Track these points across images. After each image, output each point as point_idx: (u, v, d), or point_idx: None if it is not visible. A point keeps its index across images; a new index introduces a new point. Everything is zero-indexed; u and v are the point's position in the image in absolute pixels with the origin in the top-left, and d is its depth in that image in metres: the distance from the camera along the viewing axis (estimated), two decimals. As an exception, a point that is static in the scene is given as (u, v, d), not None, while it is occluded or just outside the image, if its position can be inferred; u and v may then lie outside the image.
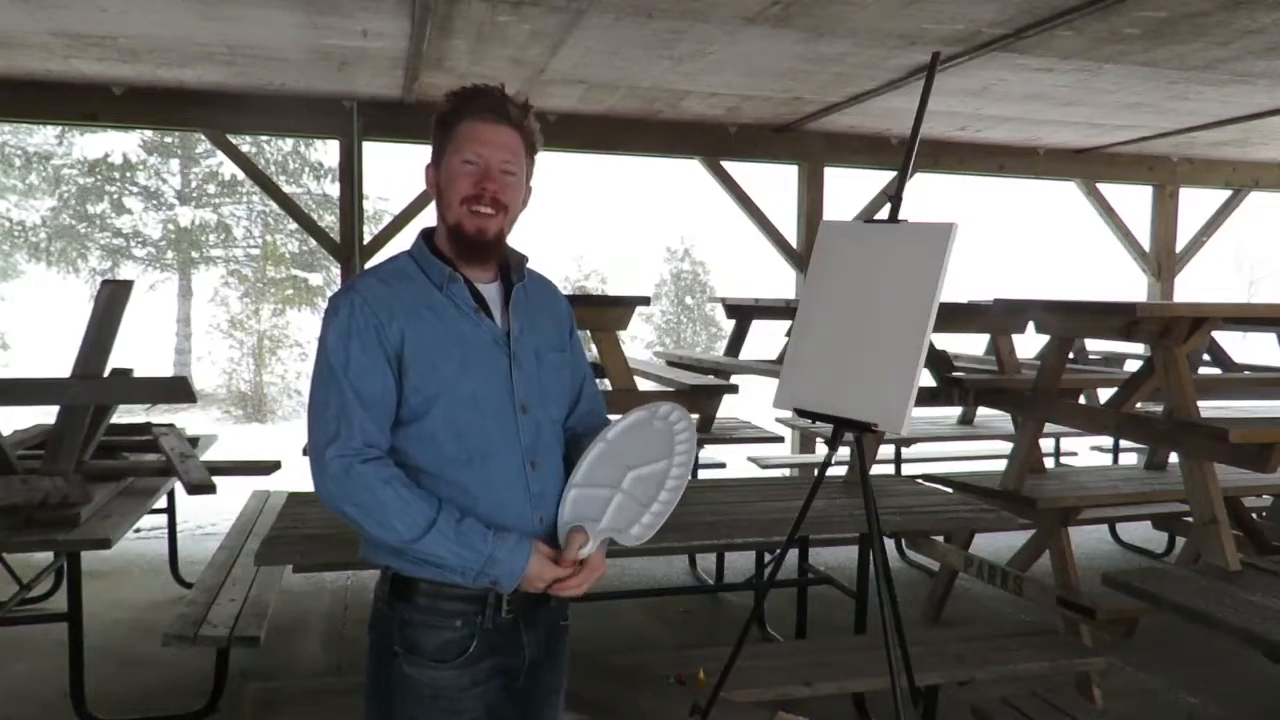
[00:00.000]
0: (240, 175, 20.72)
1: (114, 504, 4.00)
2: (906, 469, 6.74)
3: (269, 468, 5.23)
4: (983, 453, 6.76)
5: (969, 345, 7.00)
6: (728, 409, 5.60)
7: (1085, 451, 7.90)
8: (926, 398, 4.83)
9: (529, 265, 1.85)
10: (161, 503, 4.80)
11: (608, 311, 4.81)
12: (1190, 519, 4.27)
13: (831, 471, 2.73)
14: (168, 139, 21.39)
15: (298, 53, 5.12)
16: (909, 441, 6.14)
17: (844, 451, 2.86)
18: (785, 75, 5.44)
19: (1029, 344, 5.67)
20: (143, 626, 4.66)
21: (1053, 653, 3.44)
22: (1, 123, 18.91)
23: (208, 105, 6.12)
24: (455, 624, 1.69)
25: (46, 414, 4.27)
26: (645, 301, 5.12)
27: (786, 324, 4.90)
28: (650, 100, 6.15)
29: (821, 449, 6.63)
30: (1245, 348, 7.09)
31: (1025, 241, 42.77)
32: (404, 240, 1.82)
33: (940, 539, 4.83)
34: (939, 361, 5.12)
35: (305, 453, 1.69)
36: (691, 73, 5.39)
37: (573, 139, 6.55)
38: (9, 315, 23.01)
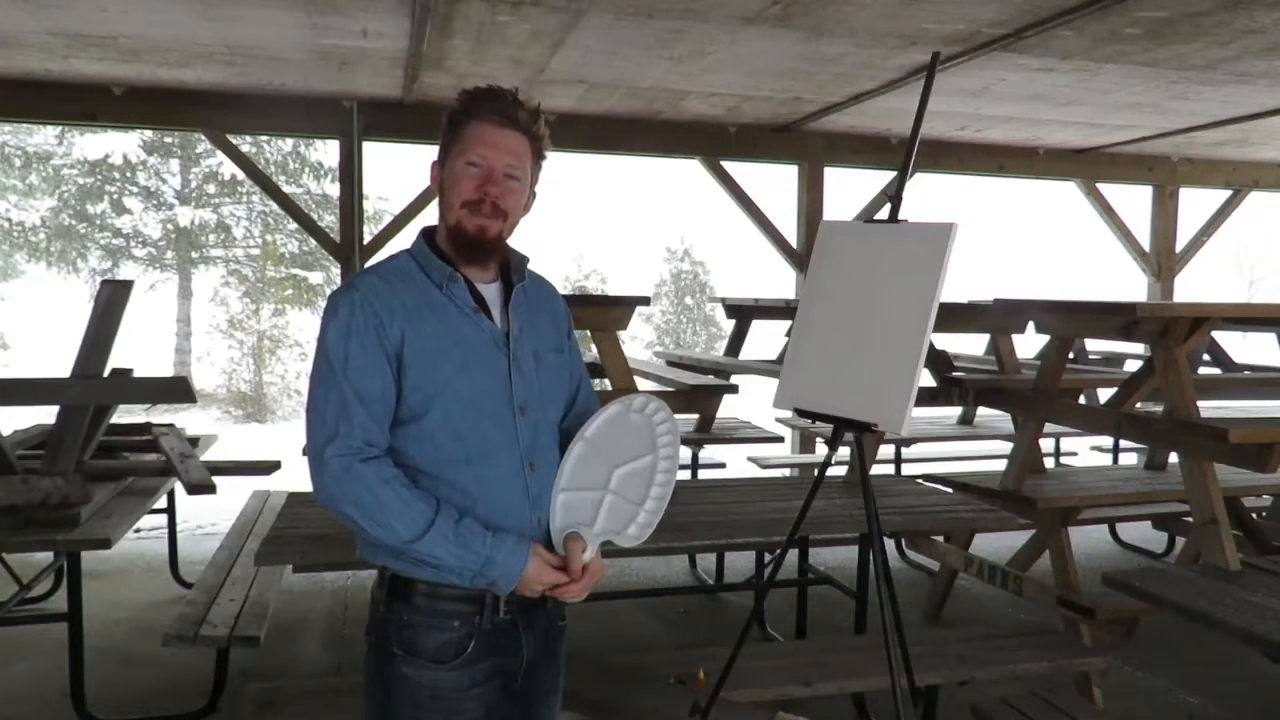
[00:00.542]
0: (240, 175, 20.72)
1: (114, 504, 4.00)
2: (906, 469, 6.74)
3: (269, 468, 5.23)
4: (983, 453, 6.76)
5: (969, 345, 7.01)
6: (728, 409, 5.60)
7: (1085, 451, 7.90)
8: (926, 398, 4.83)
9: (529, 266, 1.85)
10: (161, 503, 4.80)
11: (608, 311, 4.81)
12: (1190, 519, 4.27)
13: (831, 471, 2.73)
14: (168, 139, 21.39)
15: (298, 53, 5.12)
16: (909, 441, 6.14)
17: (844, 451, 2.86)
18: (785, 75, 5.44)
19: (1029, 344, 5.68)
20: (143, 626, 4.66)
21: (1053, 653, 3.44)
22: (1, 123, 18.91)
23: (208, 105, 6.12)
24: (453, 624, 1.69)
25: (46, 414, 4.27)
26: (645, 301, 5.12)
27: (786, 324, 4.90)
28: (650, 100, 6.15)
29: (821, 449, 6.63)
30: (1245, 348, 7.09)
31: (1025, 241, 42.77)
32: (404, 240, 1.81)
33: (940, 539, 4.83)
34: (939, 361, 5.12)
35: (305, 452, 1.69)
36: (691, 73, 5.39)
37: (573, 139, 6.55)
38: (9, 315, 23.01)
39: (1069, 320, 4.45)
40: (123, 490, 4.24)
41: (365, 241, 6.57)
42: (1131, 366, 5.71)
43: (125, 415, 8.68)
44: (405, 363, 1.65)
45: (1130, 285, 9.22)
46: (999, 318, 5.24)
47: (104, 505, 3.91)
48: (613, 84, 5.72)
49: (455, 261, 1.73)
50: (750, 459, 6.64)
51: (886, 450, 6.55)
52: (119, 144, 21.08)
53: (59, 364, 4.72)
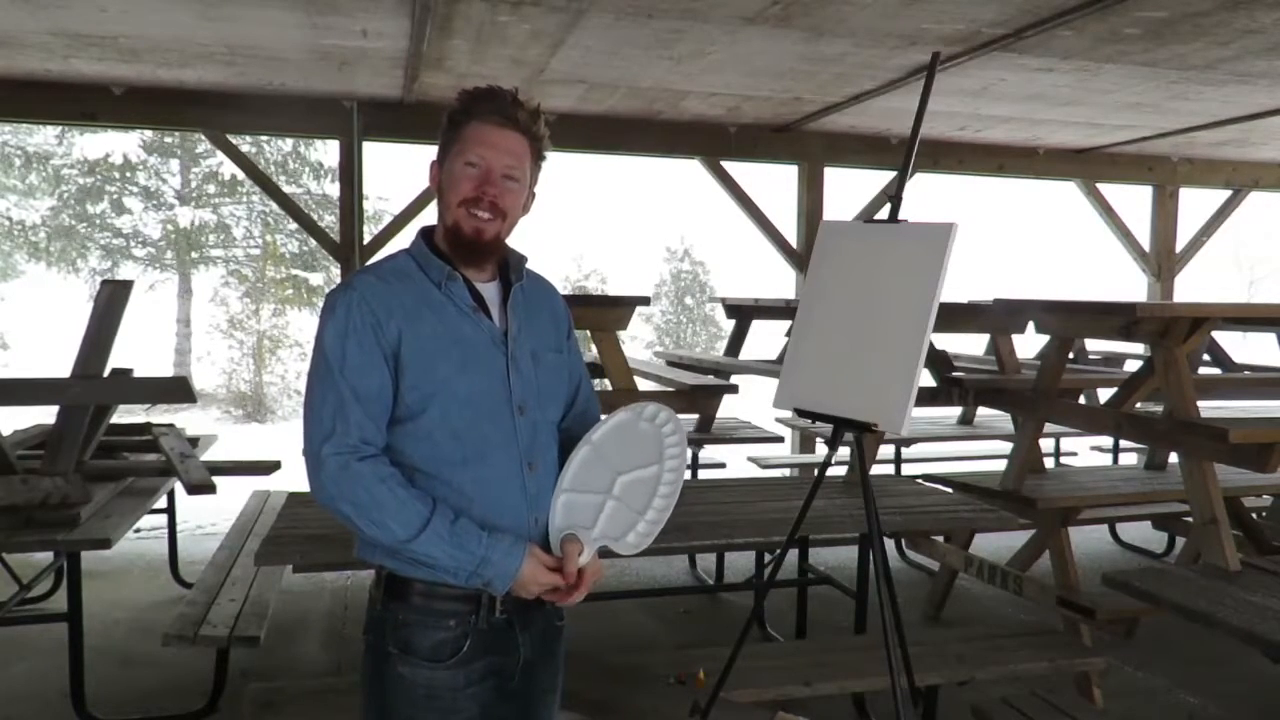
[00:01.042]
0: (240, 175, 20.71)
1: (114, 504, 4.00)
2: (906, 469, 6.74)
3: (269, 468, 5.23)
4: (983, 453, 6.76)
5: (969, 345, 7.00)
6: (728, 409, 5.59)
7: (1085, 451, 7.90)
8: (926, 398, 4.83)
9: (528, 265, 1.85)
10: (161, 503, 4.80)
11: (608, 311, 4.81)
12: (1190, 519, 4.27)
13: (831, 471, 2.74)
14: (168, 139, 21.38)
15: (298, 53, 5.12)
16: (909, 441, 6.14)
17: (844, 451, 2.86)
18: (785, 75, 5.44)
19: (1029, 344, 5.68)
20: (143, 626, 4.66)
21: (1053, 653, 3.44)
22: (1, 123, 18.90)
23: (208, 105, 6.12)
24: (449, 623, 1.69)
25: (46, 414, 4.27)
26: (645, 301, 5.12)
27: (786, 324, 4.90)
28: (650, 100, 6.15)
29: (821, 449, 6.63)
30: (1245, 348, 7.10)
31: (1025, 241, 42.76)
32: (404, 240, 1.81)
33: (940, 539, 4.83)
34: (939, 361, 5.12)
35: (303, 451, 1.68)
36: (691, 73, 5.39)
37: (573, 139, 6.55)
38: (9, 315, 22.99)
39: (1069, 320, 4.45)
40: (123, 490, 4.24)
41: (365, 241, 6.57)
42: (1131, 366, 5.71)
43: (125, 415, 8.68)
44: (403, 362, 1.65)
45: (1130, 285, 9.22)
46: (999, 318, 5.24)
47: (104, 505, 3.91)
48: (613, 84, 5.72)
49: (453, 261, 1.72)
50: (750, 459, 6.64)
51: (886, 450, 6.55)
52: (119, 144, 21.06)
53: (59, 364, 4.72)
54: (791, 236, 7.41)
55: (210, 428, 12.76)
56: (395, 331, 1.65)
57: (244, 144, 17.69)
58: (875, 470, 4.97)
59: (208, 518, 6.70)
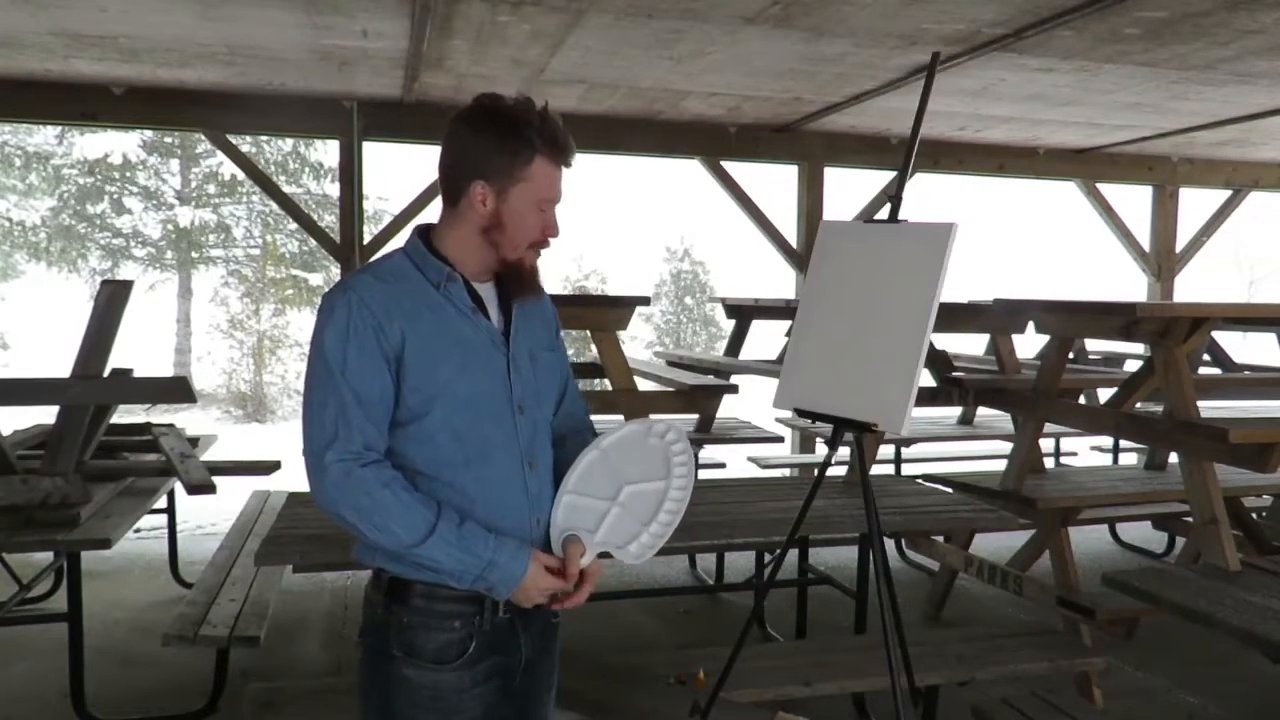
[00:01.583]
0: (240, 175, 20.71)
1: (114, 504, 4.00)
2: (906, 469, 6.75)
3: (269, 468, 5.23)
4: (983, 453, 6.76)
5: (969, 345, 7.00)
6: (728, 409, 5.59)
7: (1085, 451, 7.90)
8: (926, 398, 4.83)
9: None
10: (161, 503, 4.80)
11: (608, 311, 4.81)
12: (1190, 519, 4.27)
13: (831, 471, 2.74)
14: (168, 139, 21.38)
15: (298, 53, 5.12)
16: (909, 441, 6.14)
17: (844, 451, 2.86)
18: (785, 75, 5.44)
19: (1029, 344, 5.68)
20: (143, 626, 4.66)
21: (1053, 653, 3.44)
22: (1, 123, 18.90)
23: (208, 105, 6.12)
24: (454, 625, 1.68)
25: (46, 414, 4.27)
26: (645, 301, 5.12)
27: (786, 324, 4.90)
28: (650, 100, 6.15)
29: (821, 449, 6.62)
30: (1245, 348, 7.10)
31: (1025, 241, 42.75)
32: (404, 240, 1.80)
33: (940, 539, 4.84)
34: (939, 361, 5.12)
35: (304, 455, 1.68)
36: (691, 73, 5.39)
37: (573, 139, 6.54)
38: (9, 315, 22.99)
39: (1069, 320, 4.45)
40: (123, 490, 4.24)
41: (365, 241, 6.57)
42: (1131, 366, 5.71)
43: (125, 415, 8.69)
44: (405, 364, 1.64)
45: (1130, 285, 9.22)
46: (999, 318, 5.24)
47: (104, 505, 3.91)
48: (613, 84, 5.72)
49: (453, 265, 1.71)
50: (750, 459, 6.65)
51: (886, 450, 6.54)
52: (119, 144, 21.06)
53: (59, 364, 4.72)
54: (791, 236, 7.41)
55: (210, 428, 12.77)
56: (398, 334, 1.63)
57: (244, 144, 17.69)
58: (875, 470, 4.97)
59: (208, 518, 6.70)
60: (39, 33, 4.80)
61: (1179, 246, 8.35)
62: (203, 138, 10.62)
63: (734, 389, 5.13)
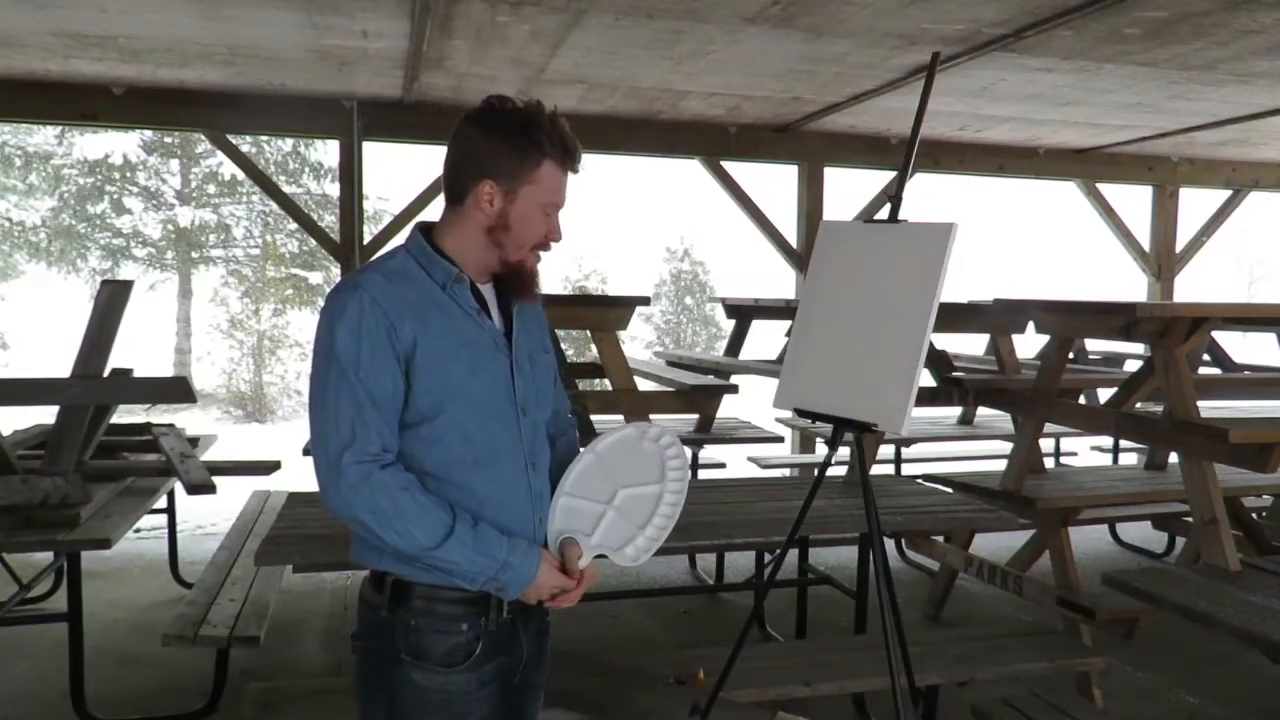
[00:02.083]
0: (240, 175, 20.71)
1: (114, 504, 4.00)
2: (906, 469, 6.75)
3: (269, 468, 5.23)
4: (983, 453, 6.76)
5: (969, 345, 7.00)
6: (728, 409, 5.60)
7: (1085, 451, 7.90)
8: (926, 398, 4.83)
9: None
10: (161, 503, 4.80)
11: (608, 311, 4.81)
12: (1190, 519, 4.27)
13: (831, 471, 2.74)
14: (168, 139, 21.38)
15: (298, 53, 5.12)
16: (909, 441, 6.14)
17: (844, 451, 2.86)
18: (785, 75, 5.44)
19: (1029, 344, 5.68)
20: (143, 626, 4.66)
21: (1053, 653, 3.45)
22: (1, 123, 18.90)
23: (208, 105, 6.12)
24: (461, 628, 1.68)
25: (46, 414, 4.27)
26: (645, 301, 5.12)
27: (786, 324, 4.90)
28: (650, 100, 6.15)
29: (821, 449, 6.63)
30: (1245, 348, 7.09)
31: (1025, 241, 42.74)
32: (404, 238, 1.80)
33: (940, 539, 4.84)
34: (939, 361, 5.12)
35: (306, 452, 1.67)
36: (691, 73, 5.39)
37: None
38: (9, 315, 22.98)
39: (1069, 320, 4.45)
40: (123, 490, 4.24)
41: (365, 241, 6.57)
42: (1131, 366, 5.71)
43: (125, 415, 8.69)
44: (416, 366, 1.62)
45: (1130, 285, 9.22)
46: (999, 318, 5.24)
47: (104, 505, 3.91)
48: (613, 84, 5.72)
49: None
50: (750, 459, 6.65)
51: (886, 450, 6.55)
52: (119, 144, 21.05)
53: (59, 364, 4.72)
54: (791, 236, 7.41)
55: (210, 428, 12.77)
56: (410, 335, 1.62)
57: (244, 144, 17.69)
58: (875, 470, 4.97)
59: (208, 518, 6.70)
60: (39, 33, 4.80)
61: (1179, 246, 8.35)
62: (203, 138, 10.62)
63: (734, 389, 5.13)
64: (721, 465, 6.67)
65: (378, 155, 6.94)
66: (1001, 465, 4.75)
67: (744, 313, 6.16)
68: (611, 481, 1.78)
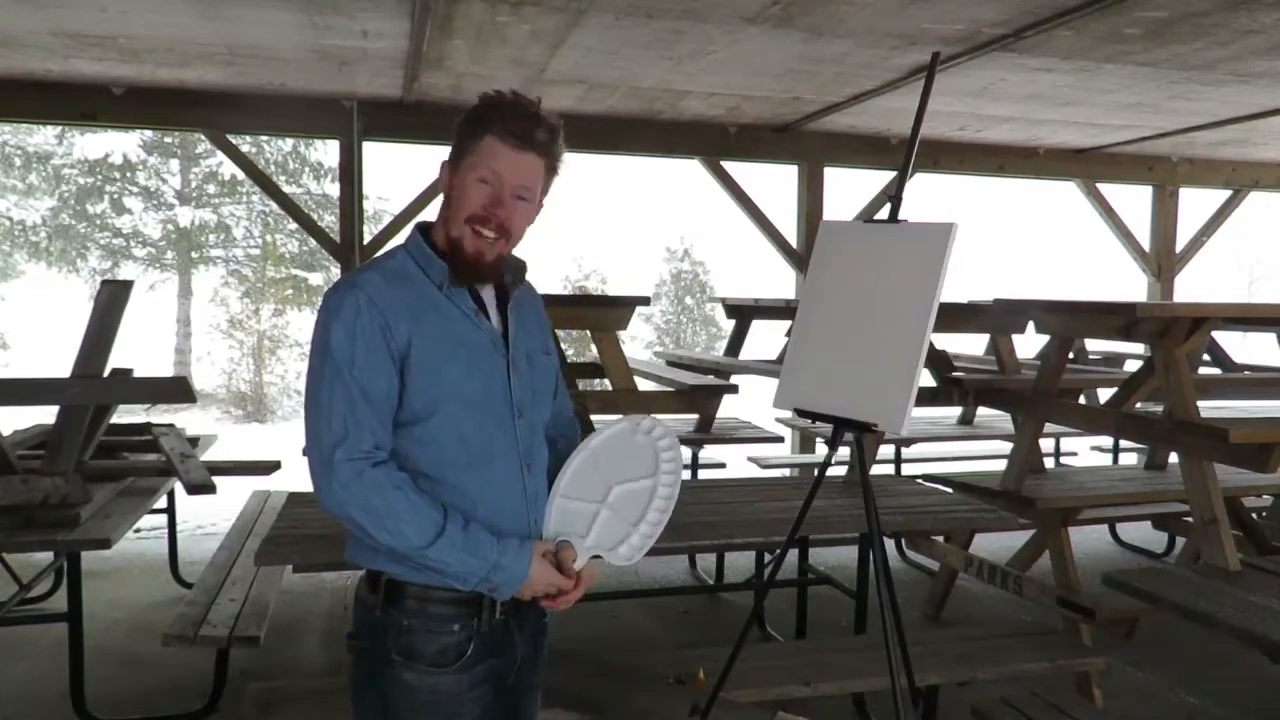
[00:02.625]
0: (240, 175, 20.72)
1: (114, 504, 4.00)
2: (906, 469, 6.75)
3: (269, 468, 5.23)
4: (983, 453, 6.76)
5: (969, 345, 7.00)
6: (728, 409, 5.60)
7: (1085, 451, 7.90)
8: (926, 398, 4.83)
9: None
10: (161, 503, 4.80)
11: (608, 311, 4.81)
12: (1190, 519, 4.27)
13: (831, 471, 2.74)
14: (168, 139, 21.39)
15: (298, 53, 5.12)
16: (909, 441, 6.14)
17: (844, 451, 2.86)
18: (785, 75, 5.44)
19: (1029, 344, 5.68)
20: (143, 626, 4.66)
21: (1053, 653, 3.45)
22: (1, 123, 18.91)
23: (208, 105, 6.12)
24: (453, 628, 1.68)
25: (46, 414, 4.27)
26: (645, 301, 5.12)
27: (786, 324, 4.90)
28: (650, 100, 6.15)
29: (821, 449, 6.63)
30: (1245, 348, 7.09)
31: (1025, 241, 42.74)
32: (404, 237, 1.80)
33: (940, 539, 4.84)
34: (939, 361, 5.12)
35: (305, 452, 1.67)
36: (691, 73, 5.39)
37: (573, 139, 6.41)
38: (9, 315, 22.99)
39: (1069, 320, 4.45)
40: (123, 490, 4.24)
41: (365, 241, 6.57)
42: (1131, 366, 5.71)
43: (125, 415, 8.68)
44: (411, 365, 1.63)
45: (1130, 285, 9.22)
46: (999, 318, 5.24)
47: (104, 505, 3.91)
48: (613, 84, 5.72)
49: (455, 272, 1.70)
50: (750, 459, 6.65)
51: (886, 450, 6.55)
52: (119, 144, 21.07)
53: (59, 364, 4.72)
54: (791, 236, 7.41)
55: (210, 428, 12.76)
56: (405, 334, 1.62)
57: (244, 144, 17.69)
58: (875, 470, 4.97)
59: (208, 518, 6.70)
60: (39, 33, 4.80)
61: (1179, 246, 8.35)
62: (203, 138, 10.62)
63: (734, 389, 5.13)
64: (721, 465, 6.67)
65: (378, 155, 6.95)
66: (1001, 465, 4.75)
67: (744, 313, 6.16)
68: (605, 479, 1.78)
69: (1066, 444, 7.60)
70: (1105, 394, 5.47)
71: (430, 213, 1.79)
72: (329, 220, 18.97)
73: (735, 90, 5.85)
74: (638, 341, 27.08)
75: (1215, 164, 8.24)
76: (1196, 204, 8.67)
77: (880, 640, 2.52)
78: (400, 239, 1.80)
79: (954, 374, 5.03)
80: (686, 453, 6.41)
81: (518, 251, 1.82)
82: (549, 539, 1.74)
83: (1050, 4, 4.09)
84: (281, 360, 21.45)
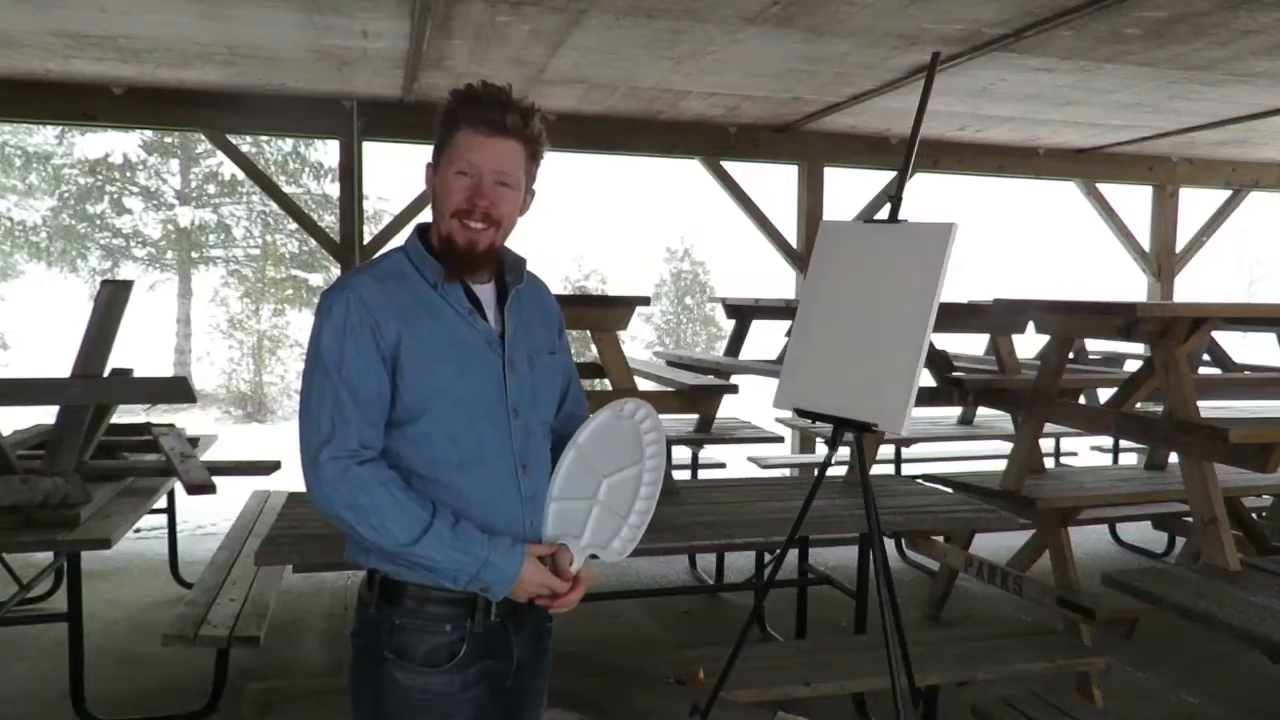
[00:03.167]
0: (240, 175, 20.72)
1: (114, 504, 4.00)
2: (906, 469, 6.75)
3: (269, 468, 5.23)
4: (983, 453, 6.76)
5: (969, 345, 7.01)
6: (728, 409, 5.59)
7: (1085, 451, 7.90)
8: (926, 398, 4.83)
9: (526, 267, 1.85)
10: (161, 503, 4.80)
11: (608, 311, 4.80)
12: (1190, 519, 4.27)
13: (831, 471, 2.74)
14: (168, 139, 21.39)
15: (298, 53, 5.12)
16: (909, 441, 6.14)
17: (844, 451, 2.86)
18: (785, 75, 5.44)
19: (1029, 344, 5.68)
20: (143, 626, 4.66)
21: (1053, 653, 3.45)
22: (1, 123, 18.91)
23: (208, 105, 6.12)
24: (445, 628, 1.68)
25: (46, 414, 4.27)
26: (645, 301, 5.11)
27: (786, 324, 4.90)
28: (650, 100, 6.15)
29: (821, 449, 6.63)
30: (1245, 348, 7.09)
31: (1025, 241, 42.77)
32: (403, 241, 1.80)
33: (940, 539, 4.84)
34: (939, 361, 5.12)
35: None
36: (691, 73, 5.39)
37: (573, 139, 6.55)
38: (9, 315, 23.00)
39: (1069, 320, 4.45)
40: (123, 490, 4.24)
41: (365, 241, 6.57)
42: (1131, 366, 5.71)
43: (125, 415, 8.68)
44: (401, 365, 1.63)
45: (1130, 285, 9.22)
46: (999, 318, 5.24)
47: (104, 505, 3.91)
48: (613, 84, 5.72)
49: (446, 269, 1.70)
50: (750, 459, 6.64)
51: (886, 450, 6.54)
52: (119, 144, 21.10)
53: (59, 364, 4.72)
54: (791, 236, 7.41)
55: (210, 428, 12.76)
56: (394, 334, 1.63)
57: (244, 144, 17.68)
58: (875, 470, 4.96)
59: (208, 518, 6.70)
60: (39, 33, 4.80)
61: (1179, 246, 8.35)
62: (203, 138, 10.62)
63: (734, 389, 5.12)
64: (721, 465, 6.67)
65: (378, 155, 6.94)
66: (1001, 465, 4.76)
67: (744, 313, 6.15)
68: (595, 474, 1.78)
69: (1066, 444, 7.60)
70: (1105, 394, 5.47)
71: (429, 214, 1.79)
72: (329, 220, 18.98)
73: (735, 90, 5.85)
74: (638, 341, 27.10)
75: (1215, 164, 8.23)
76: (1196, 204, 8.67)
77: (880, 640, 2.52)
78: (400, 240, 1.80)
79: (954, 374, 5.03)
80: (686, 452, 6.41)
81: (517, 248, 1.83)
82: (549, 541, 1.74)
83: (1050, 4, 4.09)
84: (281, 360, 21.46)
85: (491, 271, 1.77)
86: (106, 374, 4.00)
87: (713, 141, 7.00)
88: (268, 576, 4.04)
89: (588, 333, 4.79)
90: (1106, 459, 7.63)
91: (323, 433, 1.60)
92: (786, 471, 6.50)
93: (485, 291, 1.76)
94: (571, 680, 2.83)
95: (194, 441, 5.15)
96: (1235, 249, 35.26)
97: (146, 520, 5.49)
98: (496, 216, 1.68)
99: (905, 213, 2.50)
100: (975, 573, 4.36)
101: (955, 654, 3.38)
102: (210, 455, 5.14)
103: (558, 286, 1.95)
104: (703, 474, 6.35)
